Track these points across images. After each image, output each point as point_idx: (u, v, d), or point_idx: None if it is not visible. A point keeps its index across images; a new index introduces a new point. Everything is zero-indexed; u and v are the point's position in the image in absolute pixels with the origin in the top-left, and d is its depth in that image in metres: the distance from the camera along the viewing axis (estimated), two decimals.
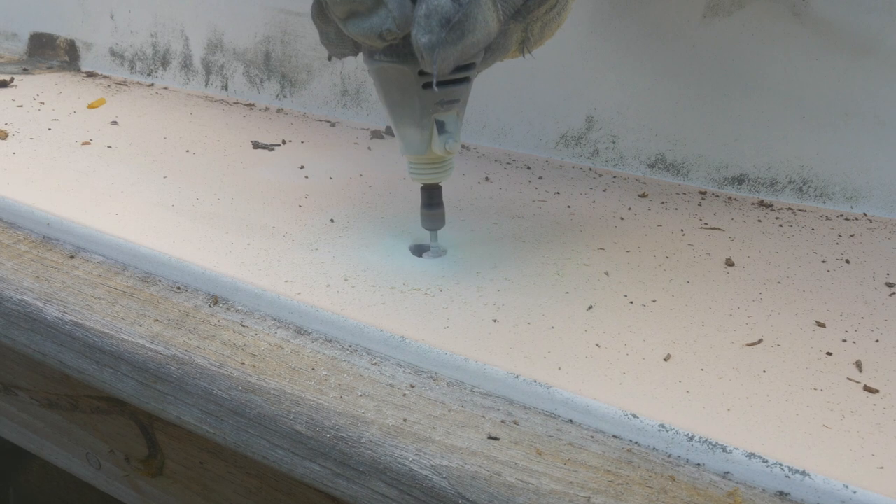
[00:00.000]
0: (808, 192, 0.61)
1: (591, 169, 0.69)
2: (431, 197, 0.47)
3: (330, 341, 0.42)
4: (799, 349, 0.40)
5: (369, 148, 0.73)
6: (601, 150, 0.69)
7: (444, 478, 0.33)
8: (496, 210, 0.58)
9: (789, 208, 0.60)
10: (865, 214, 0.58)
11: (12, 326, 0.49)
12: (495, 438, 0.34)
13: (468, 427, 0.35)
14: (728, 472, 0.32)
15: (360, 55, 0.43)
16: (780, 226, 0.56)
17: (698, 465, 0.33)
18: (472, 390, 0.38)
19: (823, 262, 0.50)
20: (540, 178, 0.66)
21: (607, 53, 0.66)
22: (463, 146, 0.75)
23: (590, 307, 0.43)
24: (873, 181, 0.58)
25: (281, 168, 0.66)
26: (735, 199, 0.62)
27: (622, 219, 0.57)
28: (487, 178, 0.65)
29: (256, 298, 0.45)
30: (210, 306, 0.45)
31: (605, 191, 0.63)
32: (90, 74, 1.02)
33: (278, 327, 0.43)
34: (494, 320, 0.42)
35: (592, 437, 0.35)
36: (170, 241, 0.50)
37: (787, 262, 0.50)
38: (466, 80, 0.42)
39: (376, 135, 0.77)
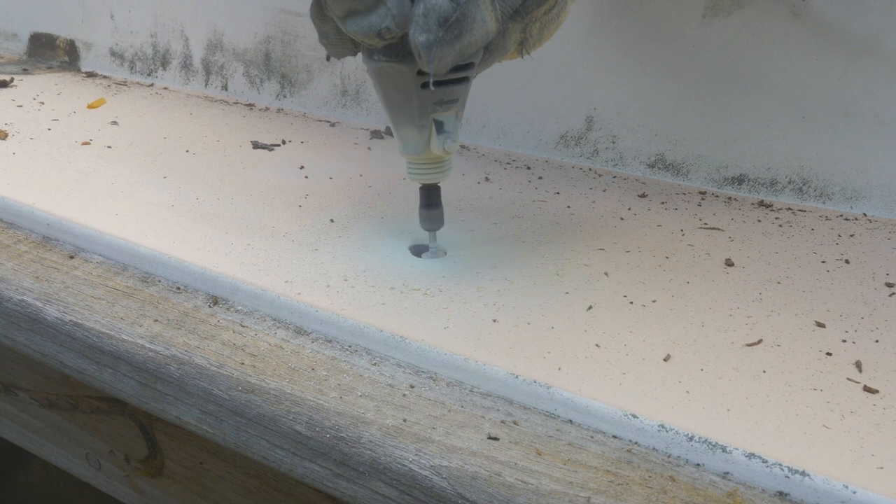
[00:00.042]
0: (807, 193, 0.61)
1: (590, 169, 0.69)
2: (430, 197, 0.47)
3: (330, 341, 0.42)
4: (799, 349, 0.40)
5: (369, 148, 0.73)
6: (601, 151, 0.69)
7: (444, 478, 0.33)
8: (496, 210, 0.58)
9: (789, 208, 0.60)
10: (865, 214, 0.58)
11: (12, 326, 0.49)
12: (495, 438, 0.34)
13: (468, 427, 0.35)
14: (728, 473, 0.32)
15: (359, 55, 0.43)
16: (780, 226, 0.56)
17: (698, 465, 0.33)
18: (471, 390, 0.38)
19: (823, 262, 0.50)
20: (540, 178, 0.66)
21: (607, 53, 0.66)
22: (463, 146, 0.75)
23: (589, 307, 0.43)
24: (873, 181, 0.58)
25: (281, 168, 0.66)
26: (735, 199, 0.62)
27: (622, 219, 0.57)
28: (487, 178, 0.65)
29: (256, 298, 0.45)
30: (210, 306, 0.45)
31: (604, 191, 0.63)
32: (90, 74, 1.02)
33: (278, 327, 0.43)
34: (494, 320, 0.42)
35: (592, 437, 0.35)
36: (170, 242, 0.50)
37: (786, 262, 0.50)
38: (465, 80, 0.42)
39: (376, 135, 0.77)
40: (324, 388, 0.38)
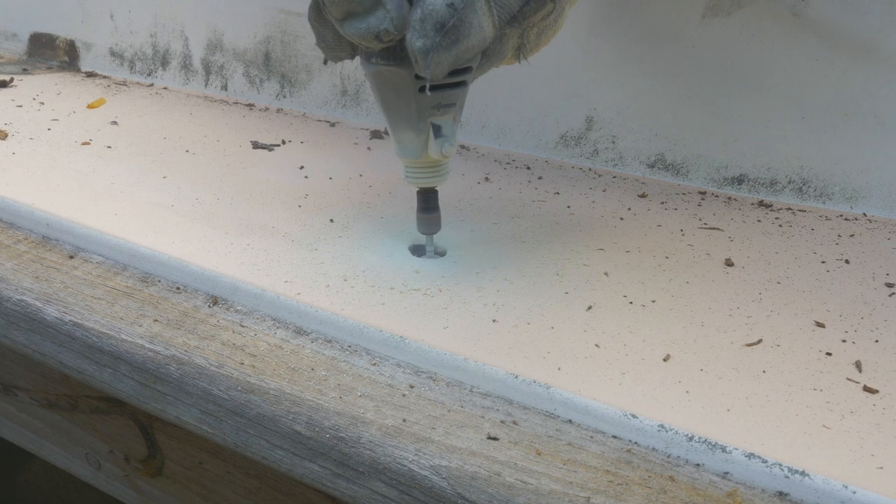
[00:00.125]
0: (807, 193, 0.60)
1: (590, 169, 0.69)
2: (427, 201, 0.47)
3: (329, 341, 0.42)
4: (799, 349, 0.40)
5: (369, 148, 0.73)
6: (601, 151, 0.69)
7: (444, 478, 0.33)
8: (496, 210, 0.58)
9: (789, 208, 0.60)
10: (865, 214, 0.58)
11: (12, 326, 0.49)
12: (495, 438, 0.34)
13: (467, 427, 0.35)
14: (727, 473, 0.32)
15: (357, 58, 0.43)
16: (780, 226, 0.56)
17: (698, 465, 0.33)
18: (471, 390, 0.38)
19: (823, 262, 0.50)
20: (539, 178, 0.66)
21: (607, 53, 0.66)
22: (462, 146, 0.75)
23: (589, 307, 0.43)
24: (873, 181, 0.58)
25: (280, 168, 0.66)
26: (735, 199, 0.62)
27: (622, 219, 0.57)
28: (487, 179, 0.65)
29: (256, 298, 0.44)
30: (209, 306, 0.45)
31: (604, 191, 0.63)
32: (90, 74, 1.02)
33: (278, 327, 0.43)
34: (494, 320, 0.42)
35: (592, 437, 0.34)
36: (169, 242, 0.50)
37: (786, 262, 0.50)
38: (463, 84, 0.42)
39: (376, 135, 0.77)
40: (323, 388, 0.38)
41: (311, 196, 0.59)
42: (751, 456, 0.32)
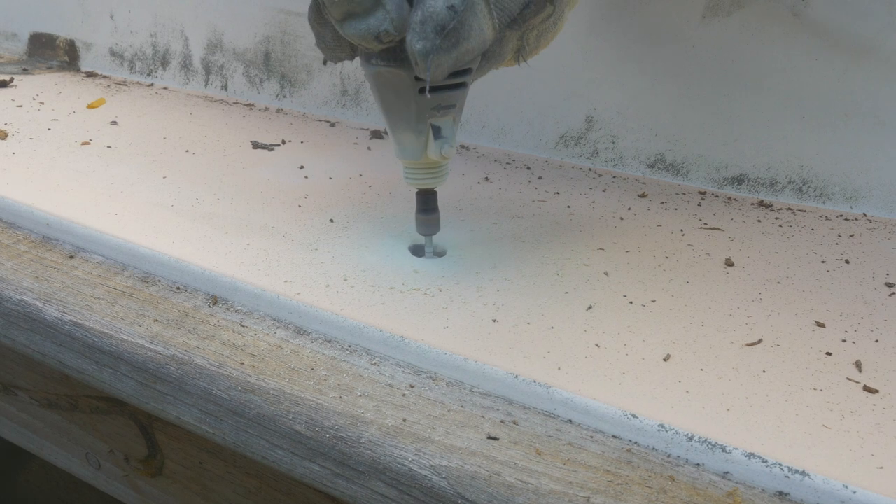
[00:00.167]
0: (807, 192, 0.61)
1: (590, 169, 0.69)
2: (427, 202, 0.47)
3: (329, 341, 0.42)
4: (799, 349, 0.40)
5: (369, 148, 0.73)
6: (601, 150, 0.69)
7: (444, 478, 0.33)
8: (496, 210, 0.58)
9: (789, 208, 0.60)
10: (865, 214, 0.58)
11: (12, 326, 0.49)
12: (495, 438, 0.34)
13: (467, 427, 0.35)
14: (727, 472, 0.32)
15: (357, 59, 0.43)
16: (780, 226, 0.56)
17: (698, 465, 0.33)
18: (471, 390, 0.38)
19: (823, 262, 0.50)
20: (540, 178, 0.66)
21: (607, 53, 0.66)
22: (462, 146, 0.75)
23: (589, 307, 0.43)
24: (873, 181, 0.58)
25: (280, 168, 0.66)
26: (735, 199, 0.62)
27: (622, 219, 0.57)
28: (487, 178, 0.65)
29: (256, 298, 0.44)
30: (209, 306, 0.45)
31: (604, 191, 0.63)
32: (90, 74, 1.02)
33: (278, 327, 0.43)
34: (494, 320, 0.42)
35: (592, 437, 0.34)
36: (169, 241, 0.50)
37: (786, 262, 0.50)
38: (463, 85, 0.42)
39: (376, 135, 0.77)
40: (323, 387, 0.38)
41: (311, 196, 0.59)
42: (751, 456, 0.32)
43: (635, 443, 0.34)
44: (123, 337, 0.43)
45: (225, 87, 0.92)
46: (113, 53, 1.02)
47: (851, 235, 0.55)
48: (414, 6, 0.36)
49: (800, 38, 0.58)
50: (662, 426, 0.33)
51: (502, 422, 0.35)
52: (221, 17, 0.89)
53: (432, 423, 0.36)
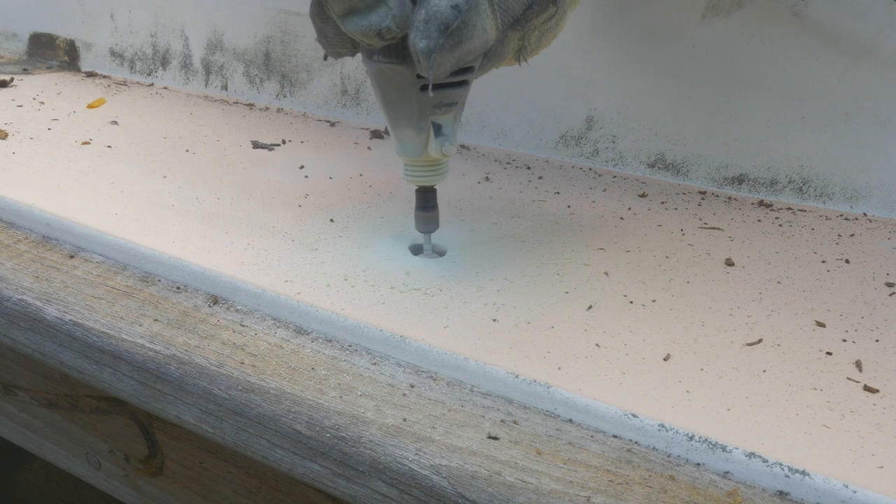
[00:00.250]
0: (807, 192, 0.61)
1: (591, 169, 0.69)
2: (426, 199, 0.47)
3: (330, 341, 0.42)
4: (799, 349, 0.40)
5: (369, 148, 0.73)
6: (601, 150, 0.69)
7: (444, 477, 0.33)
8: (496, 210, 0.58)
9: (789, 208, 0.60)
10: (865, 214, 0.58)
11: (12, 326, 0.49)
12: (495, 438, 0.34)
13: (468, 427, 0.35)
14: (728, 472, 0.32)
15: (359, 56, 0.43)
16: (780, 226, 0.56)
17: (698, 464, 0.33)
18: (471, 390, 0.38)
19: (823, 262, 0.50)
20: (540, 178, 0.66)
21: (607, 53, 0.66)
22: (463, 146, 0.75)
23: (589, 307, 0.43)
24: (873, 181, 0.58)
25: (281, 168, 0.66)
26: (735, 199, 0.62)
27: (622, 219, 0.57)
28: (487, 178, 0.65)
29: (256, 298, 0.44)
30: (210, 306, 0.45)
31: (605, 191, 0.63)
32: (90, 74, 1.02)
33: (278, 327, 0.43)
34: (494, 320, 0.42)
35: (592, 436, 0.34)
36: (169, 241, 0.50)
37: (787, 262, 0.50)
38: (464, 83, 0.42)
39: (376, 135, 0.77)
40: (324, 387, 0.38)
41: (311, 196, 0.59)
42: (751, 455, 0.32)
43: (636, 442, 0.34)
44: (124, 336, 0.43)
45: (225, 87, 0.92)
46: (113, 53, 1.02)
47: (852, 235, 0.55)
48: (418, 4, 0.36)
49: (800, 38, 0.58)
50: (663, 426, 0.33)
51: (503, 421, 0.35)
52: (221, 17, 0.89)
53: (433, 422, 0.36)
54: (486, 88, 0.68)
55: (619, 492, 0.31)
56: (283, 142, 0.73)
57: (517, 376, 0.37)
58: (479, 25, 0.36)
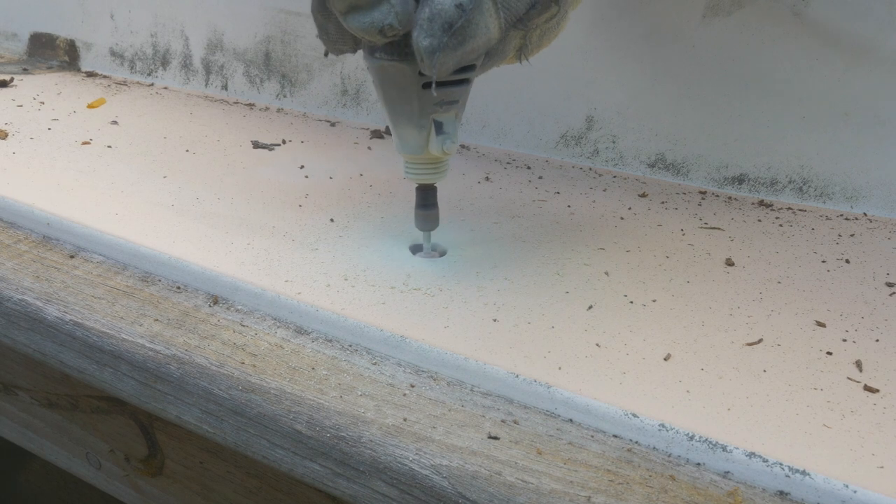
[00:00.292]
0: (808, 192, 0.61)
1: (591, 169, 0.69)
2: (426, 197, 0.47)
3: (330, 341, 0.42)
4: (799, 349, 0.40)
5: (369, 148, 0.73)
6: (601, 150, 0.69)
7: (445, 477, 0.33)
8: (496, 210, 0.58)
9: (789, 208, 0.60)
10: (865, 214, 0.58)
11: (12, 326, 0.49)
12: (495, 438, 0.34)
13: (468, 426, 0.35)
14: (728, 472, 0.32)
15: (359, 56, 0.43)
16: (780, 226, 0.56)
17: (698, 464, 0.33)
18: (472, 390, 0.38)
19: (823, 261, 0.50)
20: (540, 177, 0.66)
21: (607, 53, 0.66)
22: (463, 146, 0.75)
23: (590, 307, 0.43)
24: (873, 181, 0.58)
25: (281, 168, 0.66)
26: (735, 199, 0.62)
27: (622, 219, 0.57)
28: (487, 178, 0.65)
29: (256, 298, 0.44)
30: (210, 306, 0.45)
31: (605, 191, 0.63)
32: (90, 74, 1.02)
33: (278, 327, 0.43)
34: (494, 320, 0.42)
35: (593, 436, 0.34)
36: (170, 241, 0.50)
37: (787, 261, 0.50)
38: (466, 81, 0.42)
39: (376, 135, 0.77)
40: (324, 387, 0.38)
41: (311, 196, 0.59)
42: (751, 455, 0.32)
43: (636, 442, 0.34)
44: (124, 336, 0.43)
45: (225, 87, 0.92)
46: (113, 53, 1.02)
47: (852, 235, 0.55)
48: (421, 3, 0.36)
49: (800, 38, 0.58)
50: (663, 426, 0.33)
51: (503, 421, 0.35)
52: (221, 17, 0.89)
53: (433, 422, 0.36)
54: (486, 88, 0.68)
55: (619, 492, 0.31)
56: (284, 142, 0.73)
57: (517, 376, 0.37)
58: (482, 24, 0.36)
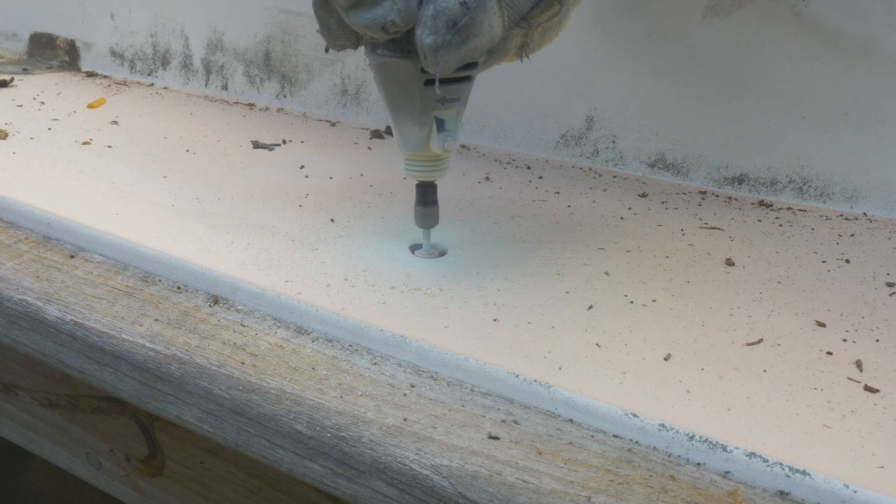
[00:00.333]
0: (808, 192, 0.61)
1: (591, 169, 0.69)
2: (426, 195, 0.47)
3: (330, 341, 0.42)
4: (799, 349, 0.40)
5: (369, 148, 0.73)
6: (601, 150, 0.69)
7: (445, 477, 0.33)
8: (496, 210, 0.58)
9: (789, 208, 0.60)
10: (865, 214, 0.58)
11: (13, 326, 0.49)
12: (496, 438, 0.34)
13: (468, 426, 0.35)
14: (728, 472, 0.32)
15: (362, 49, 0.42)
16: (780, 226, 0.56)
17: (699, 464, 0.33)
18: (472, 390, 0.38)
19: (823, 261, 0.50)
20: (540, 177, 0.66)
21: (607, 53, 0.66)
22: (463, 146, 0.75)
23: (590, 307, 0.43)
24: (873, 181, 0.58)
25: (281, 168, 0.66)
26: (735, 198, 0.62)
27: (622, 219, 0.57)
28: (487, 178, 0.65)
29: (256, 298, 0.44)
30: (210, 306, 0.45)
31: (605, 191, 0.63)
32: (90, 74, 1.02)
33: (278, 327, 0.43)
34: (495, 320, 0.42)
35: (593, 436, 0.35)
36: (170, 241, 0.50)
37: (787, 261, 0.50)
38: (468, 78, 0.42)
39: (376, 134, 0.77)
40: (324, 387, 0.38)
41: (311, 196, 0.59)
42: (752, 455, 0.32)
43: (636, 442, 0.34)
44: (124, 336, 0.43)
45: (225, 87, 0.92)
46: (113, 53, 1.02)
47: (852, 235, 0.55)
48: (425, 0, 0.36)
49: (800, 38, 0.58)
50: (663, 426, 0.34)
51: (503, 421, 0.35)
52: (222, 17, 0.89)
53: (433, 422, 0.36)
54: (486, 88, 0.68)
55: (619, 492, 0.31)
56: (284, 142, 0.73)
57: (518, 376, 0.37)
58: (486, 23, 0.36)
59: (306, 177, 0.64)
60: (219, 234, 0.52)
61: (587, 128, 0.69)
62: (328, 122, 0.82)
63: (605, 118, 0.68)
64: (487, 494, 0.32)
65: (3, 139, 0.70)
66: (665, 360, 0.38)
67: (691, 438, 0.33)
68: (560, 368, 0.37)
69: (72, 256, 0.51)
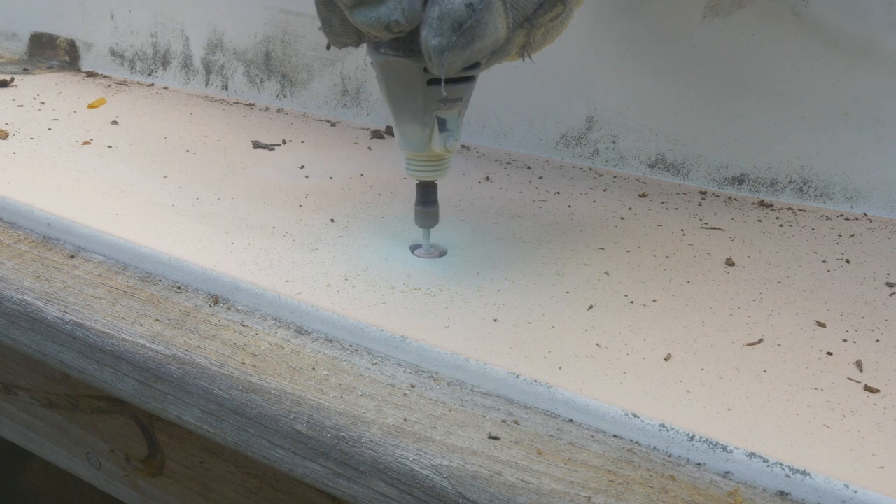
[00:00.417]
0: (808, 192, 0.61)
1: (591, 169, 0.69)
2: (427, 194, 0.47)
3: (330, 341, 0.42)
4: (799, 349, 0.40)
5: (369, 148, 0.73)
6: (601, 150, 0.69)
7: (445, 477, 0.33)
8: (496, 210, 0.58)
9: (789, 208, 0.60)
10: (865, 214, 0.59)
11: (13, 326, 0.49)
12: (496, 438, 0.34)
13: (469, 427, 0.35)
14: (729, 472, 0.32)
15: (364, 47, 0.42)
16: (781, 226, 0.56)
17: (699, 464, 0.33)
18: (472, 390, 0.38)
19: (824, 261, 0.50)
20: (540, 177, 0.66)
21: (607, 53, 0.66)
22: (463, 146, 0.75)
23: (590, 307, 0.43)
24: (873, 181, 0.58)
25: (281, 168, 0.66)
26: (735, 199, 0.62)
27: (622, 219, 0.57)
28: (488, 178, 0.65)
29: (257, 298, 0.44)
30: (210, 306, 0.45)
31: (605, 191, 0.63)
32: (90, 74, 1.02)
33: (279, 327, 0.43)
34: (495, 320, 0.42)
35: (593, 436, 0.35)
36: (170, 241, 0.50)
37: (787, 262, 0.50)
38: (471, 79, 0.42)
39: (376, 135, 0.77)
40: (324, 387, 0.38)
41: (311, 196, 0.59)
42: (752, 455, 0.32)
43: (636, 442, 0.34)
44: (124, 336, 0.43)
45: (225, 87, 0.92)
46: (113, 53, 1.02)
47: (852, 235, 0.55)
48: (431, 1, 0.36)
49: (800, 38, 0.58)
50: (663, 426, 0.34)
51: (503, 421, 0.35)
52: (222, 17, 0.89)
53: (433, 422, 0.36)
54: (486, 88, 0.68)
55: (619, 492, 0.31)
56: (284, 142, 0.73)
57: (518, 376, 0.37)
58: (491, 24, 0.36)
59: (306, 177, 0.64)
60: (219, 234, 0.52)
61: (587, 128, 0.69)
62: (328, 122, 0.82)
63: (605, 118, 0.68)
64: (487, 495, 0.32)
65: (4, 139, 0.70)
66: (665, 360, 0.38)
67: (691, 438, 0.33)
68: (560, 368, 0.37)
69: (72, 256, 0.51)
